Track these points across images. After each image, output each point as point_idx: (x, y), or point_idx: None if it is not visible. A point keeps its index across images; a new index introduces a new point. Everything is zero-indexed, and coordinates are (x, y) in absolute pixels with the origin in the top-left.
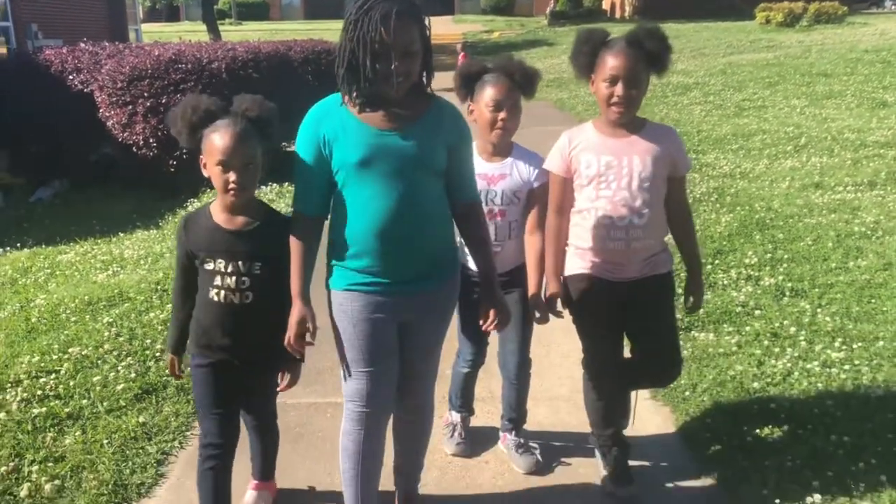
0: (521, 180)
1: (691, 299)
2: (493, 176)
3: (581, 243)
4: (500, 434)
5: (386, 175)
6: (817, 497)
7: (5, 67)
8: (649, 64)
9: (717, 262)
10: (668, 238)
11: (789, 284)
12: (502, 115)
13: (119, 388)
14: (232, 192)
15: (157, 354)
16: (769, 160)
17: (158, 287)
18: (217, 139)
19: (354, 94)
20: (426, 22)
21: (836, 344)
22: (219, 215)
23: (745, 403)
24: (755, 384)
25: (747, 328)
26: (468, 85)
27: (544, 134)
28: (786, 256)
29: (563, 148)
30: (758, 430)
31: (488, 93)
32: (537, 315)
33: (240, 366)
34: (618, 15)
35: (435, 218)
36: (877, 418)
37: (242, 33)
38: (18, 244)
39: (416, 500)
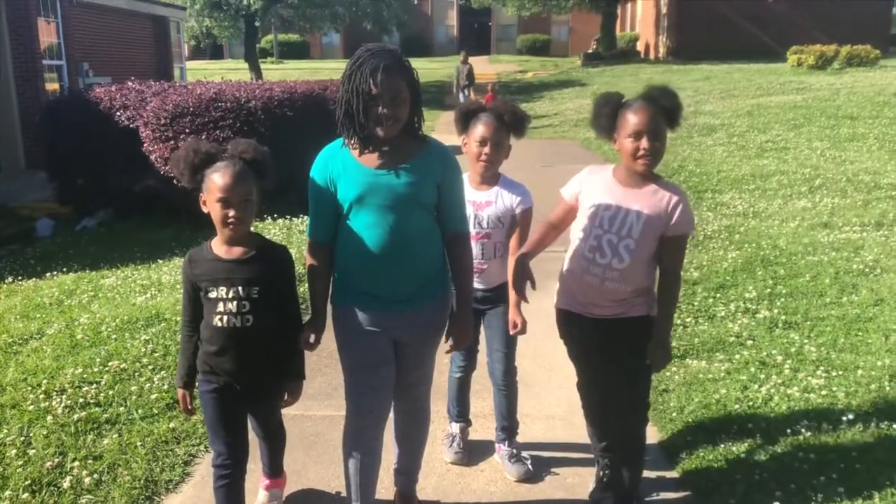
0: (504, 207)
1: (655, 353)
2: (481, 203)
3: (566, 271)
4: (496, 445)
5: (379, 208)
6: None
7: (58, 104)
8: (666, 119)
9: (718, 295)
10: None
11: (783, 317)
12: (486, 149)
13: (153, 397)
14: (231, 226)
15: None
16: (783, 200)
17: None
18: (217, 178)
19: (352, 137)
20: (414, 74)
21: (819, 372)
22: (219, 248)
23: (726, 424)
24: (737, 406)
25: (737, 356)
26: (465, 121)
27: (570, 171)
28: (784, 291)
29: (581, 180)
30: (734, 448)
31: (478, 129)
32: (518, 327)
33: (243, 389)
34: (651, 56)
35: (423, 245)
36: (843, 438)
37: (283, 71)
38: (65, 269)
39: (414, 499)
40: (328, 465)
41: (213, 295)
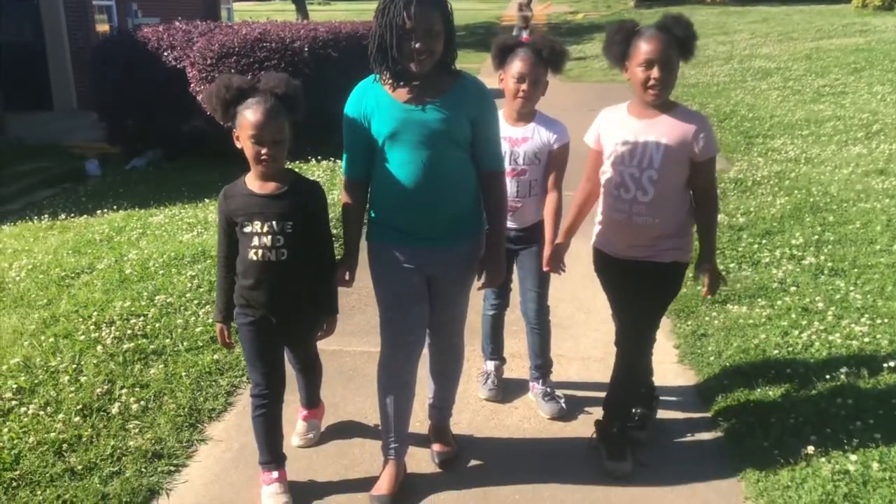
0: (541, 143)
1: (703, 278)
2: (517, 139)
3: (600, 212)
4: (530, 384)
5: (413, 145)
6: (811, 449)
7: (107, 44)
8: (679, 49)
9: (763, 241)
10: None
11: (830, 264)
12: (524, 86)
13: (197, 330)
14: (264, 163)
15: None
16: (837, 146)
17: None
18: (250, 115)
19: (385, 72)
20: (448, 7)
21: (863, 319)
22: (253, 183)
23: (764, 369)
24: (776, 352)
25: (780, 303)
26: (502, 56)
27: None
28: (832, 238)
29: (599, 122)
30: (770, 392)
31: (515, 65)
32: (551, 265)
33: (278, 323)
34: None
35: (456, 183)
36: (884, 384)
37: (330, 13)
38: (115, 207)
39: (447, 432)
40: (365, 399)
41: (247, 229)
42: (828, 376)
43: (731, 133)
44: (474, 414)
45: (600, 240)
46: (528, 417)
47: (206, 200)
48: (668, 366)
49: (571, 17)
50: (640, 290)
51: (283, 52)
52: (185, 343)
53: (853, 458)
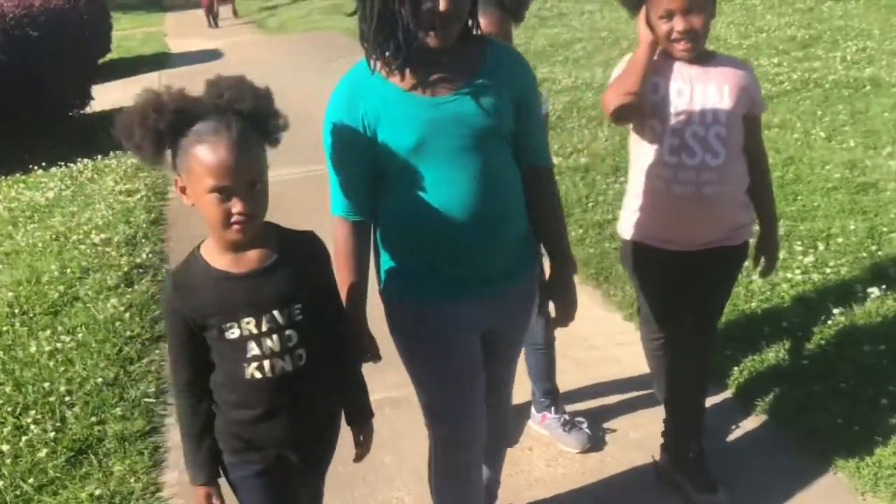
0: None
1: (763, 260)
2: None
3: (643, 194)
4: (537, 415)
5: (451, 153)
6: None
7: None
8: None
9: (620, 179)
10: None
11: None
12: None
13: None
14: (237, 226)
15: None
16: (602, 67)
17: None
18: (205, 155)
19: (391, 55)
20: None
21: None
22: (219, 259)
23: (751, 326)
24: (754, 305)
25: None
26: None
27: None
28: None
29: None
30: (777, 352)
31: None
32: None
33: (300, 461)
34: None
35: (514, 197)
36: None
37: None
38: None
39: None
40: None
41: (232, 334)
42: (825, 320)
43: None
44: None
45: (645, 230)
46: (554, 458)
47: None
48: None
49: None
50: (710, 285)
51: None
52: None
53: None
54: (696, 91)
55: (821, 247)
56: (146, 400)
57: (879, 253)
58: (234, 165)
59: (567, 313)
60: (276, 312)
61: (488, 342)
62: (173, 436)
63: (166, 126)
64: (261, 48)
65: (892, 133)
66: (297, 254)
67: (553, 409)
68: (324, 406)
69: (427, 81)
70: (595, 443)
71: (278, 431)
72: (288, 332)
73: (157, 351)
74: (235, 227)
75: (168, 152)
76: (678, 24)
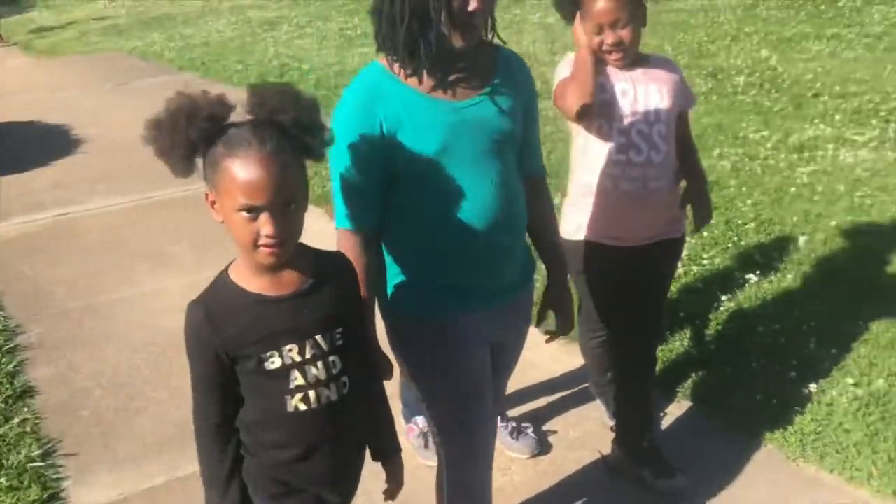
0: None
1: (699, 211)
2: None
3: (595, 194)
4: None
5: (472, 159)
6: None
7: None
8: None
9: None
10: None
11: None
12: None
13: None
14: (270, 249)
15: None
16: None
17: None
18: (235, 169)
19: (416, 56)
20: None
21: None
22: (252, 281)
23: None
24: None
25: None
26: None
27: (159, 85)
28: None
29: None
30: (683, 339)
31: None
32: None
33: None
34: None
35: (523, 204)
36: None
37: None
38: None
39: None
40: None
41: (273, 364)
42: (716, 307)
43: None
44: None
45: (595, 229)
46: (507, 466)
47: None
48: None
49: None
50: (656, 277)
51: None
52: None
53: (835, 377)
54: (640, 92)
55: (692, 241)
56: (33, 465)
57: (742, 243)
58: (265, 182)
59: (570, 320)
60: (318, 338)
61: (495, 354)
62: (79, 499)
63: (199, 133)
64: (35, 72)
65: (715, 136)
66: (334, 274)
67: (498, 417)
68: (361, 438)
69: (447, 84)
70: (542, 446)
71: (320, 469)
72: (332, 358)
73: (27, 409)
74: (264, 249)
75: (200, 161)
76: (608, 38)
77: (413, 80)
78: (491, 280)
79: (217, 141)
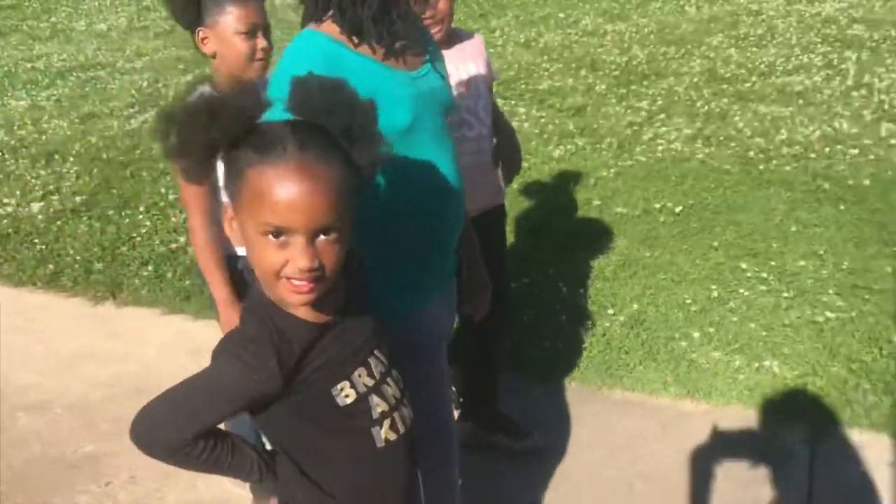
0: None
1: (509, 161)
2: None
3: None
4: None
5: (434, 132)
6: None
7: None
8: None
9: None
10: None
11: None
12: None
13: None
14: (299, 284)
15: None
16: None
17: None
18: (269, 181)
19: (374, 22)
20: None
21: None
22: (295, 307)
23: None
24: None
25: None
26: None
27: None
28: None
29: None
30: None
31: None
32: None
33: None
34: None
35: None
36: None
37: None
38: None
39: None
40: None
41: (346, 394)
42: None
43: None
44: None
45: None
46: None
47: None
48: None
49: None
50: (491, 247)
51: None
52: None
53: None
54: (461, 70)
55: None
56: None
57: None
58: (302, 200)
59: (482, 305)
60: (377, 352)
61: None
62: None
63: (220, 133)
64: None
65: None
66: (360, 279)
67: None
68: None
69: (396, 51)
70: None
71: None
72: (394, 371)
73: None
74: (290, 284)
75: (220, 165)
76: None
77: (366, 48)
78: (445, 263)
79: (244, 142)
